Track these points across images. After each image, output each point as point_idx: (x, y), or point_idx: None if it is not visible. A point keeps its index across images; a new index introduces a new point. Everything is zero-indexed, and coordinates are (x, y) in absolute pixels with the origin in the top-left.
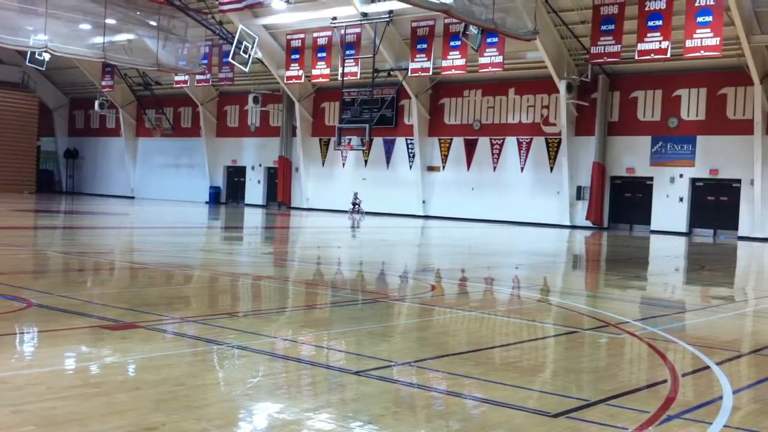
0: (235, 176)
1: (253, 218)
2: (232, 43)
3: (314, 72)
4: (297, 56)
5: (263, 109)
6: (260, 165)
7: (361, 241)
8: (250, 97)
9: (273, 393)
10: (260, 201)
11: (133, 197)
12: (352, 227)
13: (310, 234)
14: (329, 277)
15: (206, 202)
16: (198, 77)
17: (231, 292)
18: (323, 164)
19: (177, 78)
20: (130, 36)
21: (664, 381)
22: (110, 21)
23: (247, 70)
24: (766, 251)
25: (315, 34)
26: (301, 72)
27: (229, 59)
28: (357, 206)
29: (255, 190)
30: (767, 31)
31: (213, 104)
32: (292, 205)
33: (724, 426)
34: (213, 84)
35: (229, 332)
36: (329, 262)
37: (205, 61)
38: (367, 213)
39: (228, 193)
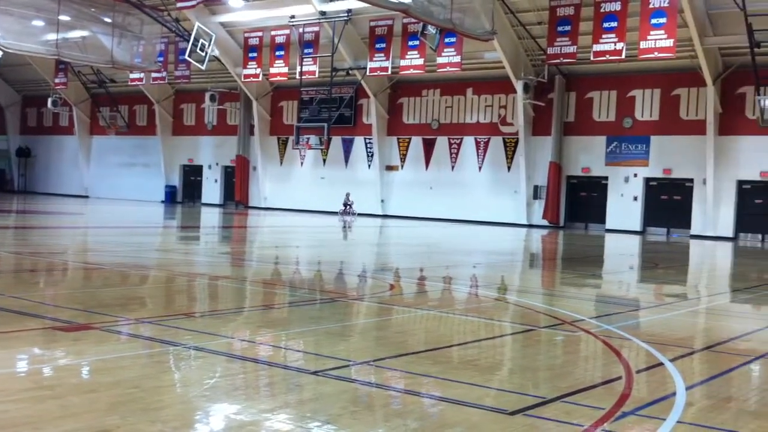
0: (192, 175)
1: (210, 218)
2: (188, 41)
3: (272, 70)
4: (255, 54)
5: (220, 107)
6: (217, 164)
7: (319, 241)
8: (207, 96)
9: (230, 394)
10: (217, 200)
11: (87, 196)
12: (344, 228)
13: (268, 233)
14: (287, 276)
15: (162, 202)
16: (154, 75)
17: (187, 292)
18: (281, 163)
19: (132, 75)
20: (84, 33)
21: (619, 378)
22: (64, 17)
23: (203, 68)
24: (718, 249)
25: (273, 33)
26: (258, 70)
27: (186, 57)
28: (349, 207)
29: (212, 189)
30: (720, 33)
31: (169, 102)
32: (250, 205)
33: (677, 422)
34: (169, 82)
35: (186, 333)
36: (287, 262)
37: (161, 59)
38: (325, 212)
39: (184, 193)
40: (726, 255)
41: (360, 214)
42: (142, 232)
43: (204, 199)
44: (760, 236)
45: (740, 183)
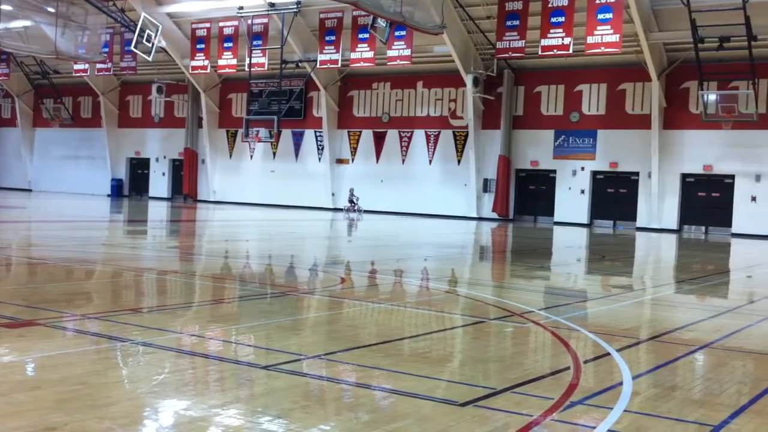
0: (139, 168)
1: (158, 211)
2: (134, 32)
3: (220, 62)
4: (202, 46)
5: (167, 99)
6: (165, 157)
7: (269, 235)
8: (154, 87)
9: (179, 390)
10: (165, 194)
11: (30, 190)
12: (350, 226)
13: (217, 227)
14: (237, 271)
15: (108, 195)
16: (99, 66)
17: (135, 287)
18: (230, 156)
19: (76, 67)
20: (27, 23)
21: (567, 368)
22: (5, 7)
23: (150, 59)
24: (663, 241)
25: (221, 24)
26: (206, 62)
27: (132, 48)
28: (355, 204)
29: (159, 182)
30: (665, 29)
31: (115, 94)
32: (199, 198)
33: (624, 411)
34: (115, 73)
35: (133, 329)
36: (237, 256)
37: (106, 50)
38: (275, 206)
39: (131, 186)
40: (670, 247)
41: (310, 208)
42: (88, 226)
43: (151, 193)
44: (703, 228)
45: (684, 176)
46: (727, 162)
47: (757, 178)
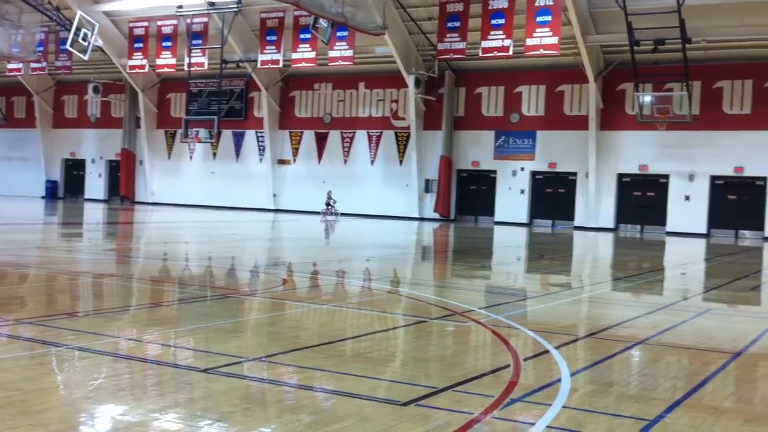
0: (74, 169)
1: (94, 213)
2: (70, 30)
3: (159, 62)
4: (140, 45)
5: (104, 99)
6: (101, 158)
7: (209, 236)
8: (90, 87)
9: (116, 395)
10: (102, 195)
11: None
12: (326, 230)
13: (156, 229)
14: (176, 273)
15: (42, 197)
16: (33, 65)
17: (70, 291)
18: (169, 157)
19: (10, 66)
20: None
21: (507, 366)
22: None
23: (86, 58)
24: (600, 240)
25: (159, 23)
26: (144, 61)
27: (67, 47)
28: (331, 207)
29: (96, 184)
30: (602, 31)
31: (49, 94)
32: (136, 200)
33: (563, 407)
34: (49, 72)
35: (69, 333)
36: (176, 258)
37: (41, 49)
38: (215, 207)
39: (66, 188)
40: (607, 245)
41: (251, 209)
42: (21, 228)
43: (87, 195)
44: (638, 227)
45: (620, 176)
46: (662, 162)
47: (691, 177)
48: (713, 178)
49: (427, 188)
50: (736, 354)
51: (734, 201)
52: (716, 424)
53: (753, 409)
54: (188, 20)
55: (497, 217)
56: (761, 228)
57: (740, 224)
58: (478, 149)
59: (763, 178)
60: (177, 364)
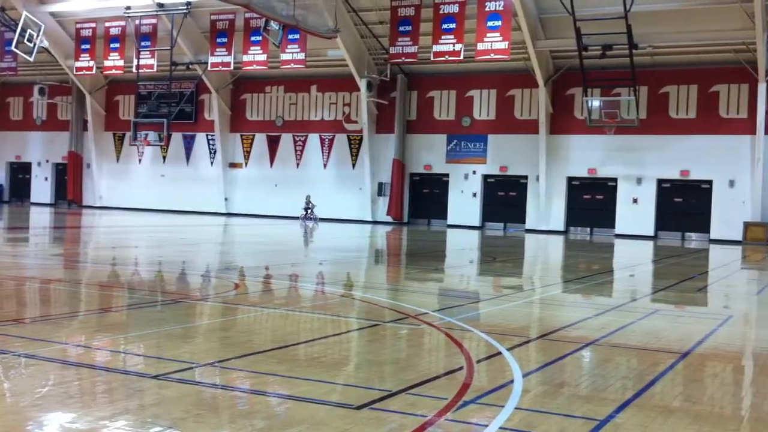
0: (20, 173)
1: (40, 218)
2: (15, 31)
3: (107, 63)
4: (87, 46)
5: (50, 101)
6: (48, 161)
7: (159, 241)
8: (36, 89)
9: (64, 402)
10: (48, 199)
11: None
12: (305, 235)
13: (104, 234)
14: (126, 278)
15: None
16: None
17: (16, 296)
18: (118, 160)
19: None
20: None
21: (461, 368)
22: None
23: (32, 59)
24: (551, 243)
25: (107, 24)
26: (92, 63)
27: (12, 48)
28: (310, 211)
29: (42, 187)
30: (551, 37)
31: None
32: (84, 204)
33: (515, 408)
34: None
35: (15, 340)
36: (126, 263)
37: None
38: (166, 211)
39: (12, 191)
40: (558, 248)
41: (202, 213)
42: None
43: (33, 198)
44: (588, 229)
45: (570, 179)
46: (611, 166)
47: (638, 181)
48: (660, 182)
49: (379, 191)
50: (683, 354)
51: (681, 204)
52: (665, 424)
53: (701, 408)
54: (136, 21)
55: (450, 221)
56: (707, 230)
57: (687, 227)
58: (430, 153)
59: (709, 182)
60: (127, 371)
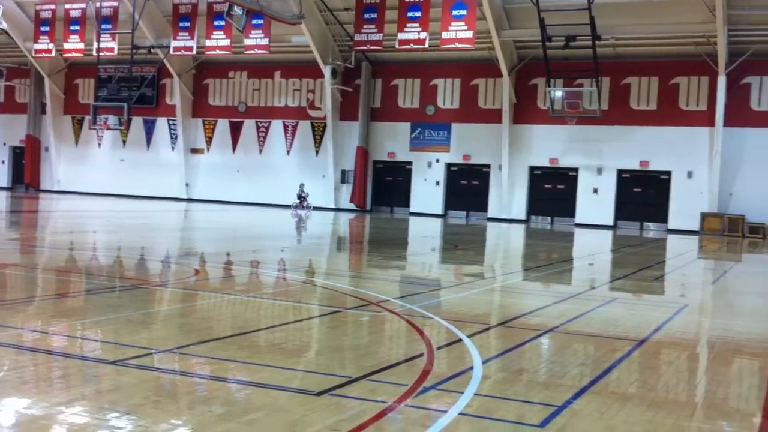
0: None
1: None
2: None
3: (66, 46)
4: (47, 28)
5: (8, 83)
6: (5, 144)
7: (118, 226)
8: None
9: (19, 388)
10: (4, 183)
11: None
12: (299, 225)
13: (62, 218)
14: (84, 263)
15: None
16: None
17: None
18: (77, 144)
19: None
20: None
21: (421, 355)
22: None
23: None
24: (512, 231)
25: (67, 6)
26: (51, 45)
27: None
28: (303, 200)
29: None
30: (515, 27)
31: None
32: (42, 188)
33: (475, 394)
34: None
35: None
36: (84, 248)
37: None
38: (125, 196)
39: None
40: (519, 236)
41: (163, 198)
42: None
43: None
44: (549, 219)
45: (532, 169)
46: (572, 156)
47: (599, 171)
48: (620, 172)
49: (343, 179)
50: (640, 341)
51: (640, 194)
52: (621, 410)
53: (656, 395)
54: (97, 4)
55: (413, 208)
56: (665, 220)
57: (645, 216)
58: (394, 141)
59: (668, 173)
60: (84, 356)
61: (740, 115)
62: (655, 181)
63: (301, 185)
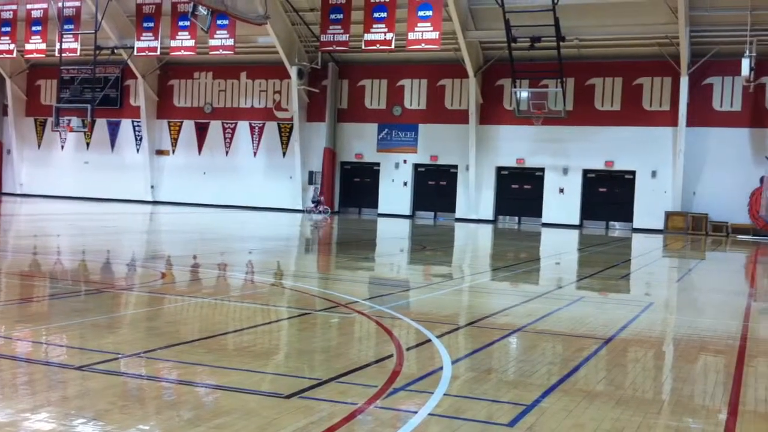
0: None
1: None
2: None
3: (28, 46)
4: (8, 29)
5: None
6: None
7: (83, 229)
8: None
9: None
10: None
11: None
12: (316, 228)
13: (24, 222)
14: (47, 267)
15: None
16: None
17: None
18: (39, 146)
19: None
20: None
21: (391, 356)
22: None
23: None
24: (480, 231)
25: (29, 6)
26: (12, 46)
27: None
28: (319, 203)
29: None
30: (481, 28)
31: None
32: (4, 191)
33: (444, 394)
34: None
35: None
36: (48, 252)
37: None
38: (89, 199)
39: None
40: (487, 236)
41: (128, 201)
42: None
43: None
44: (516, 218)
45: (499, 169)
46: (538, 156)
47: (565, 171)
48: (586, 172)
49: (310, 180)
50: (607, 340)
51: (605, 194)
52: (589, 408)
53: (623, 392)
54: (59, 4)
55: (380, 209)
56: (630, 219)
57: (611, 216)
58: (361, 142)
59: (632, 172)
60: (49, 362)
61: (703, 115)
62: (620, 180)
63: (316, 188)
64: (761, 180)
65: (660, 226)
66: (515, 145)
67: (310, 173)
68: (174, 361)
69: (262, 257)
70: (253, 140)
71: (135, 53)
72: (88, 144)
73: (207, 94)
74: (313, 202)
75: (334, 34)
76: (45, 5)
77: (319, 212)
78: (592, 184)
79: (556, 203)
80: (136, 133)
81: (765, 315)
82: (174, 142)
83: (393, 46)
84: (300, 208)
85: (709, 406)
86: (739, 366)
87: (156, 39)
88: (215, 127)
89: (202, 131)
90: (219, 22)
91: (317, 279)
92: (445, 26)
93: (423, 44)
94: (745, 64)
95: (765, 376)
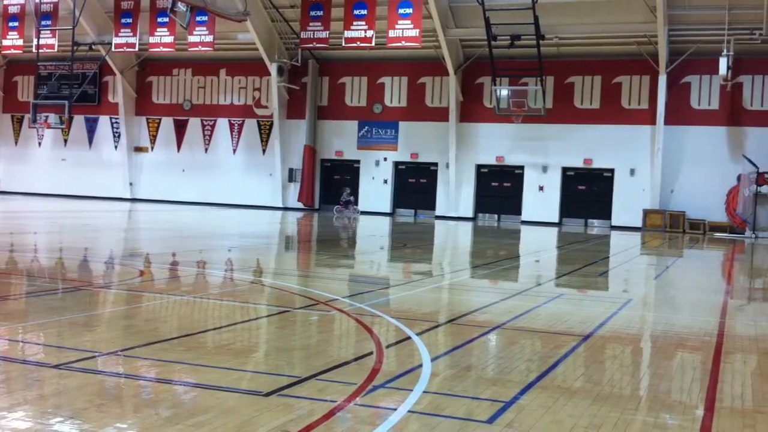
0: None
1: None
2: None
3: (5, 42)
4: None
5: None
6: None
7: (60, 227)
8: None
9: None
10: None
11: None
12: (346, 227)
13: (1, 219)
14: (24, 265)
15: None
16: None
17: None
18: (16, 143)
19: None
20: None
21: (370, 353)
22: None
23: None
24: (460, 229)
25: (6, 1)
26: None
27: None
28: (350, 203)
29: None
30: (461, 25)
31: None
32: None
33: (424, 392)
34: None
35: None
36: (25, 250)
37: None
38: (67, 196)
39: None
40: (466, 234)
41: (105, 198)
42: None
43: None
44: (496, 216)
45: (479, 167)
46: (518, 154)
47: (544, 169)
48: (565, 170)
49: (290, 178)
50: (585, 337)
51: (584, 191)
52: (567, 404)
53: (602, 389)
54: (37, 0)
55: (361, 207)
56: (609, 217)
57: (589, 214)
58: (341, 139)
59: (611, 170)
60: (26, 360)
61: (681, 113)
62: (598, 178)
63: (346, 189)
64: (738, 178)
65: (638, 223)
66: (495, 143)
67: (290, 170)
68: (152, 359)
69: (242, 255)
70: (232, 137)
71: (113, 49)
72: (65, 141)
73: (186, 91)
74: (341, 202)
75: (314, 30)
76: (22, 1)
77: (351, 212)
78: (571, 182)
79: (536, 201)
80: (115, 129)
81: (741, 312)
82: (153, 139)
83: (373, 44)
84: (280, 205)
85: (686, 402)
86: (716, 362)
87: (134, 35)
88: (194, 124)
89: (181, 128)
90: (198, 18)
91: (297, 276)
92: (425, 24)
93: (403, 42)
94: (723, 63)
95: (741, 372)
